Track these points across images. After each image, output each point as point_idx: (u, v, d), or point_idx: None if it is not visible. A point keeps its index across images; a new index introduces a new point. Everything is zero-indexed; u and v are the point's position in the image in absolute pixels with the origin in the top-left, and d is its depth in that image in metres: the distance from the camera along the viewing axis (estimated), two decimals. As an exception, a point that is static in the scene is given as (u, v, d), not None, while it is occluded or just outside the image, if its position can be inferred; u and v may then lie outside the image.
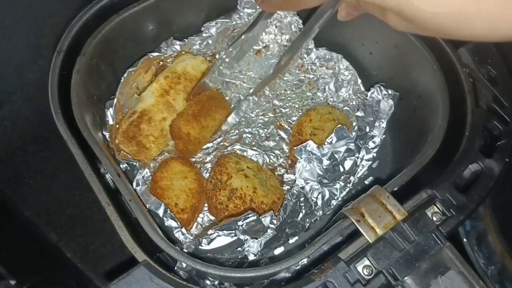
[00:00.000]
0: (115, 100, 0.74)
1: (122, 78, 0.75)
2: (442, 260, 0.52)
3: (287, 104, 0.89)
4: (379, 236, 0.54)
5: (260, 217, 0.63)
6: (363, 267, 0.52)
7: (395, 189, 0.60)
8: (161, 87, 0.80)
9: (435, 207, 0.56)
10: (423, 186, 0.59)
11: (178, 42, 0.84)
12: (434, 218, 0.55)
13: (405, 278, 0.52)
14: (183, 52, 0.86)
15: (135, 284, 0.50)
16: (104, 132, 0.73)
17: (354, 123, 0.74)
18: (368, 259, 0.53)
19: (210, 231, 0.62)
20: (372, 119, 0.75)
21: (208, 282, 0.66)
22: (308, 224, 0.74)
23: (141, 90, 0.81)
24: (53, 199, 0.80)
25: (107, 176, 0.63)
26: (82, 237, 0.78)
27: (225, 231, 0.61)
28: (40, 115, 0.87)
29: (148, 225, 0.55)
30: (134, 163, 0.78)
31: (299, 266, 0.66)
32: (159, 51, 0.82)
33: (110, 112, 0.73)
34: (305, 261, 0.65)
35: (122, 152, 0.76)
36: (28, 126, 0.86)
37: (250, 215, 0.62)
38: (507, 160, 0.60)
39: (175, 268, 0.61)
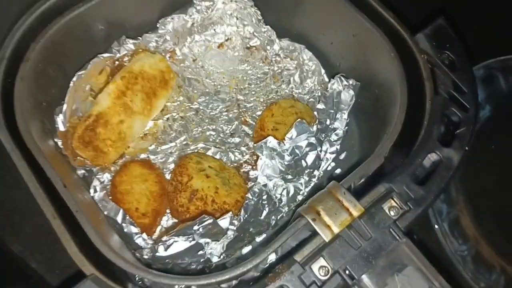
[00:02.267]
0: (65, 105, 0.71)
1: (72, 82, 0.72)
2: (399, 256, 0.51)
3: (251, 99, 0.87)
4: (335, 235, 0.52)
5: (218, 220, 0.61)
6: (319, 267, 0.51)
7: (353, 184, 0.58)
8: (117, 88, 0.77)
9: (392, 201, 0.54)
10: (382, 179, 0.57)
11: (131, 41, 0.81)
12: (391, 213, 0.54)
13: (362, 277, 0.50)
14: (140, 50, 0.84)
15: None
16: (55, 139, 0.70)
17: (317, 116, 0.72)
18: (324, 259, 0.51)
19: (165, 238, 0.60)
20: (333, 111, 0.73)
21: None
22: (274, 221, 0.73)
23: (97, 92, 0.78)
24: (15, 209, 0.78)
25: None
26: (47, 247, 0.75)
27: (181, 237, 0.59)
28: None
29: (98, 237, 0.53)
30: (92, 169, 0.76)
31: (267, 265, 0.65)
32: (110, 51, 0.79)
33: (60, 118, 0.71)
34: (273, 259, 0.64)
35: (78, 158, 0.73)
36: None
37: (205, 219, 0.60)
38: (466, 148, 0.59)
39: (136, 277, 0.59)
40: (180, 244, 0.60)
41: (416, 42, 0.67)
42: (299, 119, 0.69)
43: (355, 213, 0.53)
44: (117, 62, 0.82)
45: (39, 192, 0.55)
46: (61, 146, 0.71)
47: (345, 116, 0.73)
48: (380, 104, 0.72)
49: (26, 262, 0.74)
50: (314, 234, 0.54)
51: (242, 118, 0.85)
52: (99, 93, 0.77)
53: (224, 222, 0.62)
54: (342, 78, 0.74)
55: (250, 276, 0.66)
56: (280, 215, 0.73)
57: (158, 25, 0.83)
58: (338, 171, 0.79)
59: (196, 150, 0.81)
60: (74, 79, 0.72)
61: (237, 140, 0.83)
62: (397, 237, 0.52)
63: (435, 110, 0.62)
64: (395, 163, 0.59)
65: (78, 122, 0.74)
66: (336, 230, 0.52)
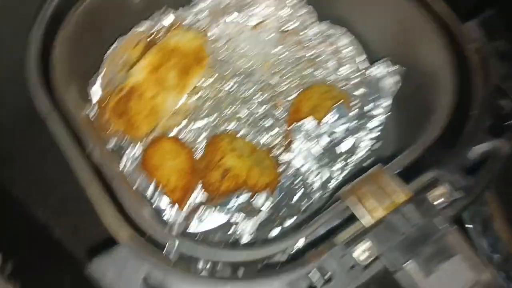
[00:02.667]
0: (101, 75, 0.70)
1: (108, 52, 0.71)
2: (447, 245, 0.49)
3: (285, 83, 0.85)
4: (379, 219, 0.50)
5: (254, 197, 0.60)
6: (361, 251, 0.49)
7: (397, 170, 0.56)
8: (152, 63, 0.75)
9: (439, 189, 0.52)
10: (427, 167, 0.55)
11: (168, 15, 0.79)
12: (439, 201, 0.51)
13: (406, 263, 0.48)
14: (174, 27, 0.82)
15: (118, 263, 0.46)
16: (89, 109, 0.69)
17: (355, 102, 0.70)
18: (367, 243, 0.49)
19: (199, 212, 0.59)
20: (374, 97, 0.71)
21: (200, 264, 0.62)
22: (304, 207, 0.71)
23: (131, 65, 0.77)
24: (43, 178, 0.77)
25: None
26: (73, 216, 0.74)
27: (215, 212, 0.58)
28: (27, 93, 0.83)
29: (133, 205, 0.51)
30: (123, 142, 0.75)
31: (293, 251, 0.63)
32: (147, 24, 0.78)
33: (95, 87, 0.69)
34: (300, 245, 0.62)
35: (110, 130, 0.72)
36: (14, 105, 0.81)
37: (242, 194, 0.58)
38: (516, 140, 0.56)
39: (164, 250, 0.58)
40: (213, 220, 0.59)
41: (466, 30, 0.65)
42: (338, 103, 0.67)
43: (401, 198, 0.51)
44: (150, 37, 0.80)
45: (75, 156, 0.53)
46: (94, 116, 0.69)
47: (387, 103, 0.71)
48: (422, 93, 0.70)
49: (51, 231, 0.73)
50: (354, 218, 0.52)
51: (275, 102, 0.83)
52: (133, 66, 0.76)
53: (260, 200, 0.60)
54: (386, 64, 0.72)
55: (276, 260, 0.64)
56: (311, 201, 0.71)
57: (194, 1, 0.81)
58: (371, 160, 0.77)
59: (226, 130, 0.80)
60: (111, 49, 0.71)
61: (268, 123, 0.81)
62: (445, 225, 0.50)
63: (484, 100, 0.60)
64: (442, 152, 0.57)
65: (112, 93, 0.72)
66: (380, 214, 0.50)
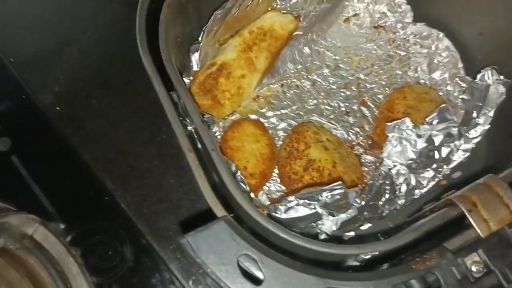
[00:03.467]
0: (201, 45, 0.68)
1: (209, 22, 0.69)
2: None
3: (373, 80, 0.81)
4: (493, 231, 0.46)
5: (345, 192, 0.56)
6: (472, 262, 0.45)
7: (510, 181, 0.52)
8: (244, 42, 0.74)
9: None
10: None
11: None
12: None
13: None
14: (270, 9, 0.80)
15: (213, 239, 0.45)
16: (185, 78, 0.68)
17: (458, 107, 0.65)
18: (479, 255, 0.45)
19: (290, 198, 0.56)
20: (480, 104, 0.65)
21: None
22: (386, 212, 0.67)
23: (222, 41, 0.75)
24: (113, 147, 0.76)
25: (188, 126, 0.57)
26: (138, 190, 0.73)
27: (306, 201, 0.55)
28: (109, 58, 0.82)
29: (231, 179, 0.49)
30: (204, 119, 0.73)
31: (369, 256, 0.59)
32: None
33: (195, 57, 0.68)
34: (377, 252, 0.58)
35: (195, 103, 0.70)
36: (95, 69, 0.82)
37: (338, 187, 0.55)
38: None
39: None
40: (300, 209, 0.56)
41: None
42: (444, 105, 0.62)
43: None
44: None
45: (177, 122, 0.51)
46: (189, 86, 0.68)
47: (491, 113, 0.66)
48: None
49: (116, 201, 0.72)
50: (462, 225, 0.48)
51: (361, 98, 0.79)
52: (224, 43, 0.74)
53: (351, 195, 0.57)
54: (494, 72, 0.66)
55: (348, 265, 0.61)
56: (394, 207, 0.67)
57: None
58: (458, 173, 0.72)
59: (308, 122, 0.76)
60: (211, 20, 0.69)
61: (352, 119, 0.78)
62: None
63: None
64: None
65: (202, 67, 0.71)
66: (494, 226, 0.46)
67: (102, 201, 0.73)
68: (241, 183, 0.62)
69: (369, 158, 0.74)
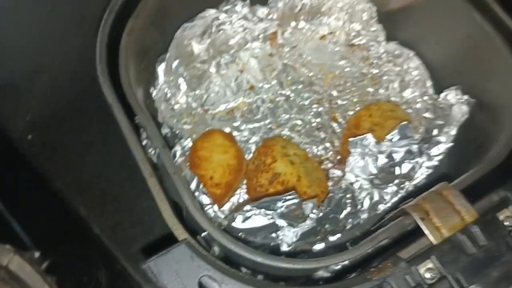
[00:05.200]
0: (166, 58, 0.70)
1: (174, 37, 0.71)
2: None
3: (345, 97, 0.83)
4: (446, 238, 0.47)
5: (302, 202, 0.57)
6: (425, 270, 0.47)
7: (462, 188, 0.53)
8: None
9: (508, 211, 0.50)
10: (493, 187, 0.53)
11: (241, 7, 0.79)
12: (507, 223, 0.49)
13: (472, 286, 0.46)
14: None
15: (174, 263, 0.46)
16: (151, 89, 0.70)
17: (419, 125, 0.67)
18: (432, 262, 0.47)
19: (247, 207, 0.57)
20: (442, 123, 0.67)
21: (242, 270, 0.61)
22: (350, 225, 0.68)
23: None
24: (86, 172, 0.76)
25: (149, 150, 0.59)
26: (111, 215, 0.73)
27: (262, 210, 0.56)
28: (80, 84, 0.81)
29: (193, 202, 0.51)
30: (177, 131, 0.75)
31: (339, 266, 0.60)
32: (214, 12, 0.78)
33: (161, 68, 0.70)
34: (347, 261, 0.59)
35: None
36: (67, 94, 0.82)
37: (291, 196, 0.56)
38: None
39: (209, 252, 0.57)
40: (258, 219, 0.57)
41: None
42: (405, 122, 0.64)
43: (468, 218, 0.48)
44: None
45: (138, 149, 0.53)
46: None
47: (453, 132, 0.67)
48: (485, 122, 0.67)
49: (90, 227, 0.73)
50: (418, 234, 0.49)
51: (332, 115, 0.81)
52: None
53: (307, 207, 0.58)
54: (458, 92, 0.68)
55: (319, 276, 0.62)
56: (357, 221, 0.68)
57: (269, 1, 0.81)
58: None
59: (279, 136, 0.78)
60: (176, 35, 0.71)
61: (323, 135, 0.79)
62: None
63: None
64: (507, 173, 0.54)
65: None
66: (446, 233, 0.48)
67: (76, 227, 0.73)
68: (204, 195, 0.63)
69: (337, 173, 0.75)
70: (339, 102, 0.82)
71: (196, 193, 0.63)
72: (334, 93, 0.83)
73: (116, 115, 0.57)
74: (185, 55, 0.75)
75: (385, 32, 0.85)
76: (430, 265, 0.47)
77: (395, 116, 0.72)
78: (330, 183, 0.73)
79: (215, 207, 0.65)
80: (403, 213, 0.50)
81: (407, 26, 0.82)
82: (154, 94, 0.73)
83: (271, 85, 0.83)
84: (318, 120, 0.80)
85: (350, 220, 0.67)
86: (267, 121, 0.80)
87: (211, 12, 0.76)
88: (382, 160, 0.65)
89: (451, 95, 0.69)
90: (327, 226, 0.65)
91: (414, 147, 0.64)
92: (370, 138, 0.64)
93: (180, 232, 0.49)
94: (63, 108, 0.81)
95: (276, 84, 0.83)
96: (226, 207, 0.72)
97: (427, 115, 0.68)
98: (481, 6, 0.68)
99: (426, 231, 0.47)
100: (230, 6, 0.78)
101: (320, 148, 0.78)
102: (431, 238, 0.47)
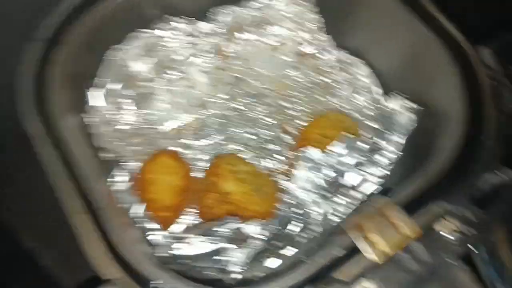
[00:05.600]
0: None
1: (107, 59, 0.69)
2: (457, 284, 0.45)
3: (297, 107, 0.82)
4: (385, 255, 0.47)
5: (244, 224, 0.56)
6: None
7: (403, 202, 0.53)
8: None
9: (448, 223, 0.49)
10: (435, 200, 0.52)
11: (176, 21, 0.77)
12: (448, 236, 0.49)
13: None
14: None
15: None
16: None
17: (368, 135, 0.67)
18: (370, 282, 0.46)
19: (188, 235, 0.55)
20: (390, 132, 0.67)
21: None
22: (305, 240, 0.66)
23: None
24: (33, 204, 0.73)
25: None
26: (63, 244, 0.68)
27: (203, 237, 0.54)
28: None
29: (123, 239, 0.49)
30: (120, 155, 0.72)
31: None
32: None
33: (91, 92, 0.68)
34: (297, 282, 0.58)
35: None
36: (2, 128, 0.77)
37: (230, 221, 0.55)
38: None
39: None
40: (202, 245, 0.55)
41: (479, 56, 0.62)
42: (350, 134, 0.63)
43: (409, 234, 0.47)
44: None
45: (65, 182, 0.52)
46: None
47: (401, 141, 0.67)
48: (432, 127, 0.66)
49: (38, 260, 0.70)
50: (357, 252, 0.49)
51: (284, 126, 0.80)
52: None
53: (251, 228, 0.56)
54: (404, 100, 0.68)
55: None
56: (313, 235, 0.67)
57: (211, 15, 0.80)
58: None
59: (231, 151, 0.76)
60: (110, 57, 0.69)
61: (274, 147, 0.78)
62: (455, 263, 0.46)
63: (497, 130, 0.57)
64: (451, 184, 0.54)
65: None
66: (386, 250, 0.47)
67: (24, 262, 0.71)
68: (152, 221, 0.61)
69: (291, 185, 0.74)
70: (291, 113, 0.81)
71: (145, 219, 0.62)
72: (286, 104, 0.82)
73: (41, 151, 0.55)
74: (126, 76, 0.73)
75: (335, 42, 0.84)
76: (368, 284, 0.46)
77: (344, 127, 0.71)
78: (281, 196, 0.72)
79: (164, 233, 0.63)
80: (342, 232, 0.48)
81: (356, 35, 0.82)
82: (90, 119, 0.71)
83: (222, 100, 0.82)
84: (270, 132, 0.79)
85: (305, 235, 0.66)
86: (218, 137, 0.78)
87: (151, 32, 0.74)
88: (329, 172, 0.64)
89: (400, 104, 0.69)
90: (279, 243, 0.64)
91: (362, 159, 0.63)
92: (314, 151, 0.63)
93: (111, 271, 0.47)
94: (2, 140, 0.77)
95: (228, 98, 0.82)
96: (176, 229, 0.69)
97: (375, 125, 0.67)
98: (424, 14, 0.69)
99: (363, 249, 0.46)
100: (172, 25, 0.77)
101: (272, 161, 0.76)
102: (370, 256, 0.46)
